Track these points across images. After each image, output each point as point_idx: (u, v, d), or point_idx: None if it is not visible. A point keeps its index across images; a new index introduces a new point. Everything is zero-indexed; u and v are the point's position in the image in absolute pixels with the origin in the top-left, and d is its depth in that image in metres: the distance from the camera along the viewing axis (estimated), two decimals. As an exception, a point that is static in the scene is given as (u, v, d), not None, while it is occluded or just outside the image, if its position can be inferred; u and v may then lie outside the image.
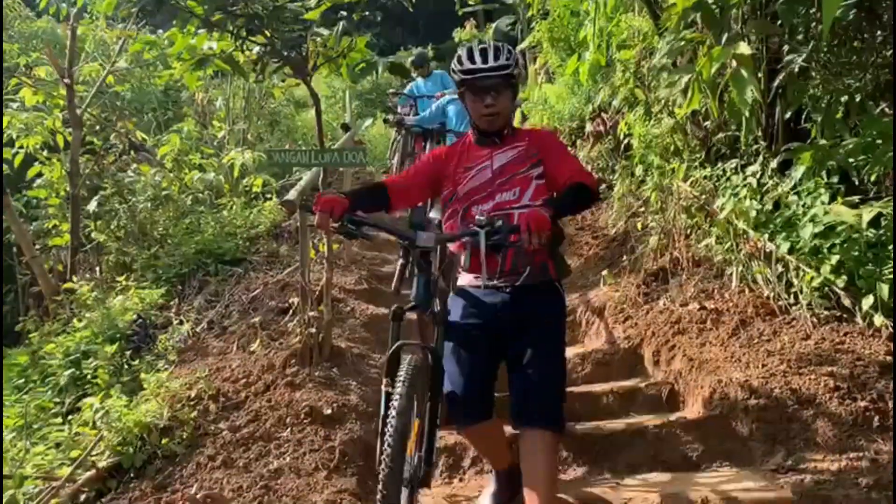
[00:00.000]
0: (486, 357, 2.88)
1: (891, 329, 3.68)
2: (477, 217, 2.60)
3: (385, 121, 8.84)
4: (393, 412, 2.34)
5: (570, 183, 2.76)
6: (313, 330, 4.62)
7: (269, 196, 8.36)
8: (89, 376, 4.99)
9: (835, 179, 4.25)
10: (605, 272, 5.70)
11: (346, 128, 8.23)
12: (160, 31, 8.50)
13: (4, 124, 7.56)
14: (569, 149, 3.43)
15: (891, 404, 3.30)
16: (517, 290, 2.86)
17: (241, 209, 7.80)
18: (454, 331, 2.87)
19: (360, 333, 5.29)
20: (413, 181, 3.05)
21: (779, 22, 4.43)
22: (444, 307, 2.95)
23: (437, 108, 6.93)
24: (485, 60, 2.81)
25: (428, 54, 9.22)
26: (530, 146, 2.93)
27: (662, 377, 4.24)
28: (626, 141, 6.83)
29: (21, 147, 7.72)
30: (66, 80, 7.75)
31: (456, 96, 5.58)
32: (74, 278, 7.06)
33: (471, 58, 2.84)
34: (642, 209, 6.06)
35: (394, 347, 2.54)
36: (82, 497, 3.78)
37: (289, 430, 4.04)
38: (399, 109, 8.40)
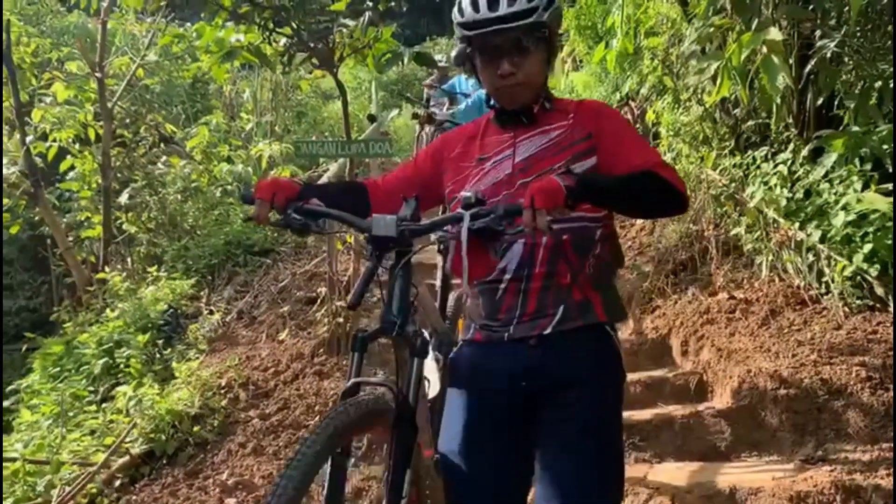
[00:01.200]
0: (505, 454, 1.88)
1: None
2: (462, 194, 1.72)
3: (415, 115, 8.47)
4: (277, 488, 1.34)
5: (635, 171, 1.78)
6: (341, 319, 4.67)
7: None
8: (122, 365, 5.09)
9: (868, 167, 4.18)
10: (632, 262, 5.67)
11: (372, 119, 8.22)
12: (188, 24, 8.58)
13: (37, 118, 7.70)
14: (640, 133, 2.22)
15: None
16: (546, 342, 1.85)
17: (269, 200, 7.85)
18: (458, 411, 1.94)
19: (388, 323, 5.32)
20: (406, 183, 2.04)
21: (810, 6, 4.35)
22: (438, 335, 2.13)
23: (474, 102, 6.19)
24: (493, 6, 1.80)
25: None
26: (576, 126, 1.89)
27: (691, 367, 4.21)
28: (654, 129, 6.77)
29: (54, 140, 7.86)
30: (98, 74, 7.86)
31: None
32: (107, 269, 7.19)
33: (474, 3, 1.84)
34: (670, 198, 5.99)
35: (347, 386, 1.67)
36: (117, 482, 3.86)
37: (317, 418, 4.09)
38: (432, 103, 8.24)
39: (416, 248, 1.79)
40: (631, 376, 4.19)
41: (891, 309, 3.81)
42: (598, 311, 1.89)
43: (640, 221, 6.47)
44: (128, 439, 4.05)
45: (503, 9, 1.79)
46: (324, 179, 5.29)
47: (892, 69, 4.19)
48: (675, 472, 3.31)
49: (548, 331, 1.85)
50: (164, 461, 3.98)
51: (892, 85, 4.15)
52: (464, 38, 1.90)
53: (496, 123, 1.99)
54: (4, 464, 3.84)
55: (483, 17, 1.82)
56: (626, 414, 3.78)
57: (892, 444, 3.10)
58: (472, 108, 6.13)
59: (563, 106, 1.96)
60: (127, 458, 3.96)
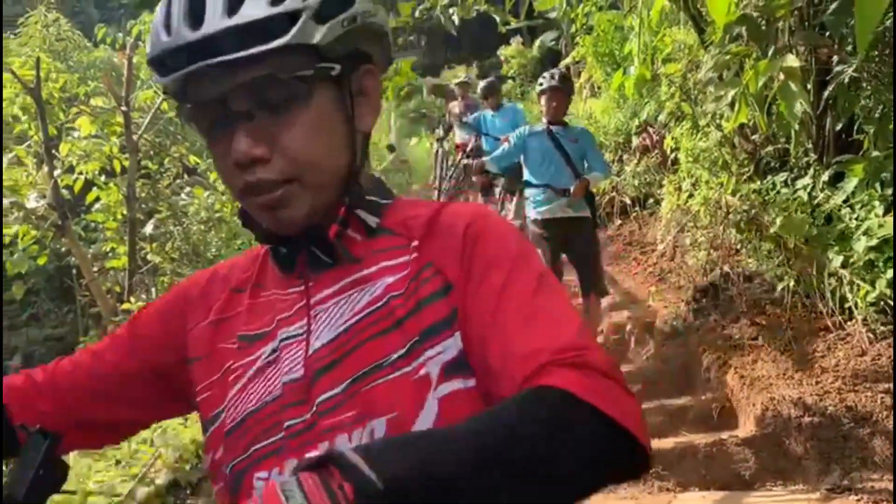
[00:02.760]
0: None
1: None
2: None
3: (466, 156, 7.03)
4: None
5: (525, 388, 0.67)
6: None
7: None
8: (147, 395, 5.13)
9: (889, 191, 4.16)
10: (653, 288, 5.65)
11: (391, 148, 8.33)
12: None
13: (65, 152, 7.87)
14: (542, 281, 0.80)
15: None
16: None
17: (290, 229, 7.95)
18: None
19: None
20: (104, 377, 1.03)
21: (826, 33, 4.37)
22: None
23: (516, 144, 4.77)
24: (196, 20, 0.76)
25: (498, 83, 7.87)
26: (423, 265, 0.83)
27: (713, 394, 4.18)
28: (672, 155, 6.78)
29: (81, 173, 8.01)
30: (124, 108, 8.03)
31: (539, 127, 4.77)
32: (132, 299, 7.28)
33: (166, 20, 0.78)
34: (691, 224, 6.00)
35: None
36: (141, 513, 3.89)
37: (339, 447, 4.10)
38: (457, 139, 7.99)
39: None
40: (653, 404, 4.18)
41: (916, 335, 3.78)
42: None
43: (660, 248, 6.44)
44: (152, 469, 4.08)
45: (216, 22, 0.76)
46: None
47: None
48: (699, 502, 3.28)
49: None
50: (189, 491, 4.01)
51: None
52: (165, 90, 0.86)
53: (275, 262, 0.93)
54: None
55: (177, 42, 0.78)
56: (648, 443, 3.77)
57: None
58: (515, 150, 4.84)
59: (400, 220, 0.89)
60: (152, 488, 3.99)
